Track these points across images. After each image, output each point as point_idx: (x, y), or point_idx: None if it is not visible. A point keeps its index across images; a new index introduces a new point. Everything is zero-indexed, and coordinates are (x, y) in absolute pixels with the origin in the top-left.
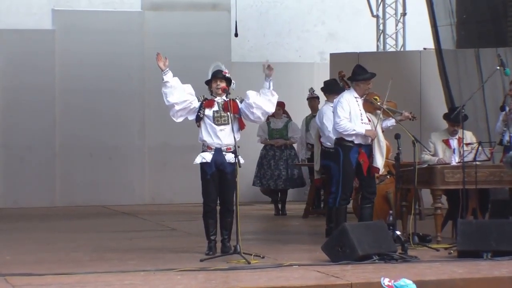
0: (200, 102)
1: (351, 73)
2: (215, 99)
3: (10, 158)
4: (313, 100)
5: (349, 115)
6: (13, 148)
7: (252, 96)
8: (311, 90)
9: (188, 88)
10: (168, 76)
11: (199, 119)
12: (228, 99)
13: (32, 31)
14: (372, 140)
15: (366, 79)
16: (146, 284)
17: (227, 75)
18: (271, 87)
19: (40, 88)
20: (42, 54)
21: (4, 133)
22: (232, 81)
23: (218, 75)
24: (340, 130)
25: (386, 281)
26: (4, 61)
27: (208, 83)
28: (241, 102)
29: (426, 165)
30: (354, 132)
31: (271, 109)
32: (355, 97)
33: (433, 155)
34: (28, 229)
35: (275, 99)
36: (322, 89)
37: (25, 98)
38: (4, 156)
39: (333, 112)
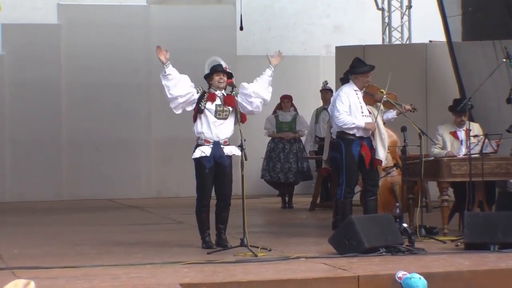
0: (199, 94)
1: (349, 66)
2: (216, 93)
3: (16, 152)
4: (325, 93)
5: (349, 108)
6: (20, 142)
7: (249, 86)
8: (325, 83)
9: (187, 79)
10: (170, 69)
11: (200, 111)
12: (226, 93)
13: (38, 26)
14: (373, 132)
15: (365, 72)
16: (153, 277)
17: (227, 69)
18: (271, 77)
19: (46, 82)
20: (48, 49)
21: (10, 127)
22: (233, 76)
23: (219, 69)
24: (340, 124)
25: (400, 274)
26: (10, 56)
27: (208, 77)
28: (236, 95)
29: (433, 158)
30: (353, 126)
31: (269, 97)
32: (355, 90)
33: (442, 148)
34: (35, 223)
35: (271, 89)
36: (341, 79)
37: (31, 92)
38: (10, 150)
39: (332, 105)
